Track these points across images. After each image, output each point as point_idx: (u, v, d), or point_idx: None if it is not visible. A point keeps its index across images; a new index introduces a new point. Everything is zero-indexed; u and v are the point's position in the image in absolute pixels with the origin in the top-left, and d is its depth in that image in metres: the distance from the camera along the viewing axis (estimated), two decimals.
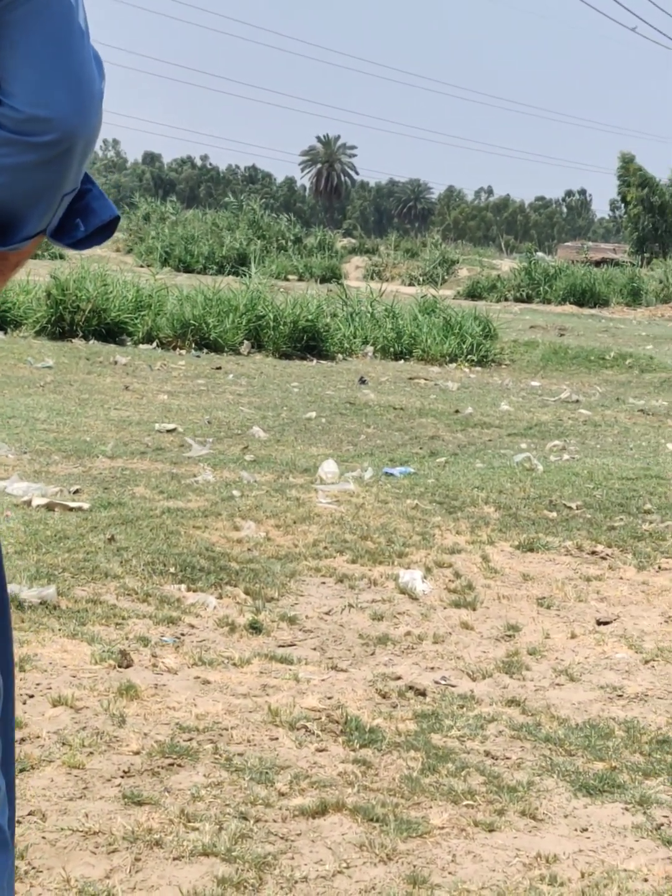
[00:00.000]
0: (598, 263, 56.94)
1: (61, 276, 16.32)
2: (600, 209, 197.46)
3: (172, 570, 5.73)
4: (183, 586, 5.56)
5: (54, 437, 9.61)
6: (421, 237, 71.46)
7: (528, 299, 41.48)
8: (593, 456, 10.06)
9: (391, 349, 18.49)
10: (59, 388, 12.51)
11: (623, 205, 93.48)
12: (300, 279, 49.65)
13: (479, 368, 18.16)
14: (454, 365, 18.07)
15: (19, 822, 3.25)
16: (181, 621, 5.11)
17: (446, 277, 54.64)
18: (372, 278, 54.00)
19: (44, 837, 3.20)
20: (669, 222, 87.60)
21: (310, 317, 17.26)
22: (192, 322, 16.68)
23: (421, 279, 54.44)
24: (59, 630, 4.82)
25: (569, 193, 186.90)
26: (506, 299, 41.19)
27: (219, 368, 15.38)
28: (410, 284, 52.62)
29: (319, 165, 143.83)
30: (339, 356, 17.69)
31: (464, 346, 18.49)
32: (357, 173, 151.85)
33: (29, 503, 6.86)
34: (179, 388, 13.52)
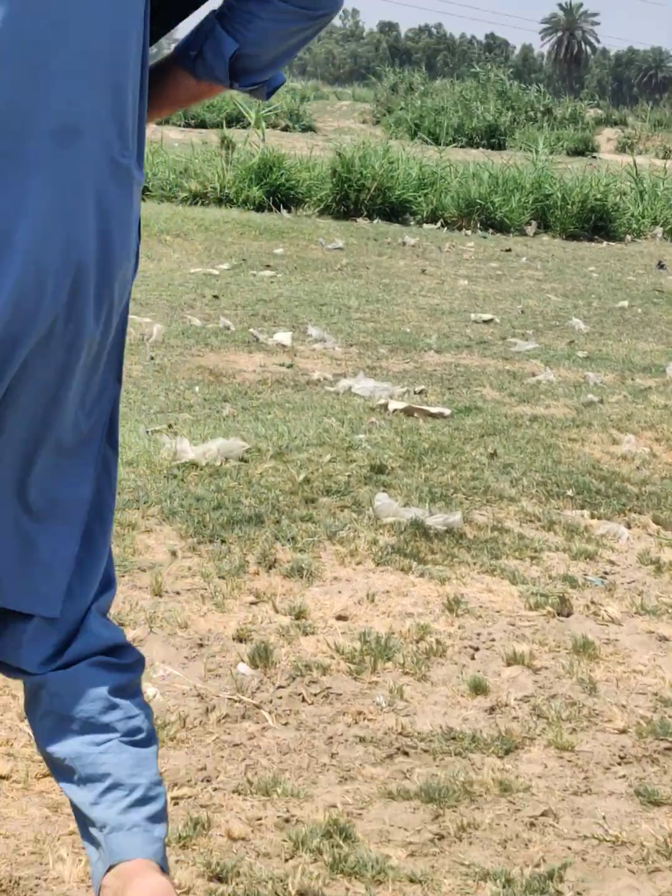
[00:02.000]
0: None
1: (346, 154, 15.74)
2: None
3: (569, 492, 5.19)
4: (585, 512, 5.01)
5: (373, 327, 9.16)
6: (670, 107, 68.19)
7: None
8: None
9: None
10: (356, 272, 12.05)
11: None
12: (551, 152, 48.18)
13: None
14: None
15: (533, 824, 2.80)
16: (599, 557, 4.57)
17: None
18: (624, 151, 52.11)
19: (570, 848, 2.72)
20: None
21: (599, 196, 16.33)
22: (478, 201, 15.96)
23: None
24: (474, 564, 4.35)
25: None
26: None
27: (508, 250, 14.68)
28: (665, 157, 50.59)
29: (560, 33, 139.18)
30: (628, 237, 16.74)
31: None
32: (599, 41, 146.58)
33: (385, 407, 6.40)
34: (475, 271, 12.91)
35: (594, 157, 43.21)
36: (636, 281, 12.98)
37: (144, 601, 3.79)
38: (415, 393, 6.98)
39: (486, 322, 9.79)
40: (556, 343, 9.12)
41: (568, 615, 4.00)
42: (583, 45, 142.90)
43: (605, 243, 16.19)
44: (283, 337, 8.41)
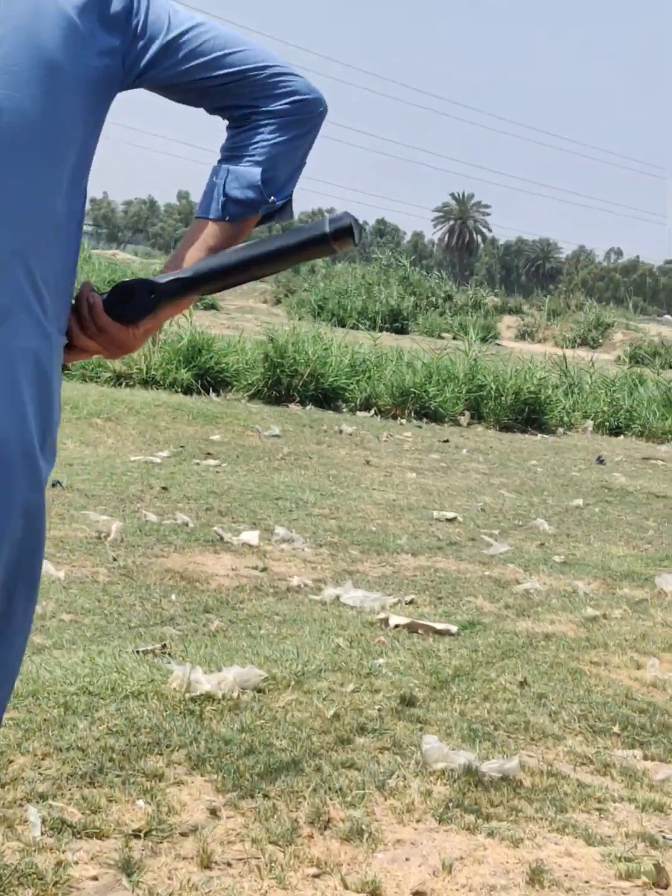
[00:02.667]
0: None
1: (279, 339, 15.55)
2: None
3: (615, 728, 4.77)
4: (636, 752, 4.59)
5: (337, 525, 8.78)
6: (564, 298, 70.04)
7: None
8: None
9: (607, 423, 17.45)
10: (299, 462, 11.72)
11: None
12: (455, 338, 48.89)
13: None
14: None
15: None
16: (668, 809, 4.14)
17: (601, 341, 53.52)
18: (524, 338, 53.17)
19: None
20: None
21: (533, 388, 16.30)
22: (412, 390, 15.81)
23: (576, 341, 53.47)
24: (541, 819, 3.89)
25: None
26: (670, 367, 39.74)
27: (446, 441, 14.49)
28: (566, 346, 51.58)
29: (452, 222, 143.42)
30: (560, 430, 16.70)
31: None
32: (489, 230, 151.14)
33: (386, 622, 5.97)
34: (418, 463, 12.66)
35: (498, 345, 44.00)
36: (582, 477, 12.81)
37: (195, 876, 3.27)
38: (405, 603, 6.58)
39: (449, 520, 9.47)
40: (526, 545, 8.82)
41: (665, 887, 3.55)
42: (474, 234, 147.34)
43: (539, 435, 16.10)
44: (250, 536, 7.98)
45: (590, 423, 17.20)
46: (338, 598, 6.51)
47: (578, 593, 7.25)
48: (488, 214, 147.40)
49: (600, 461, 14.13)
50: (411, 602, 6.64)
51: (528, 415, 16.25)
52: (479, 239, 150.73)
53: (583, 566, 8.18)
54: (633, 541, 9.48)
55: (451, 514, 9.59)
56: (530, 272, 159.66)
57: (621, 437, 17.16)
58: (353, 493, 10.26)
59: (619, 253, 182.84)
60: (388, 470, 11.91)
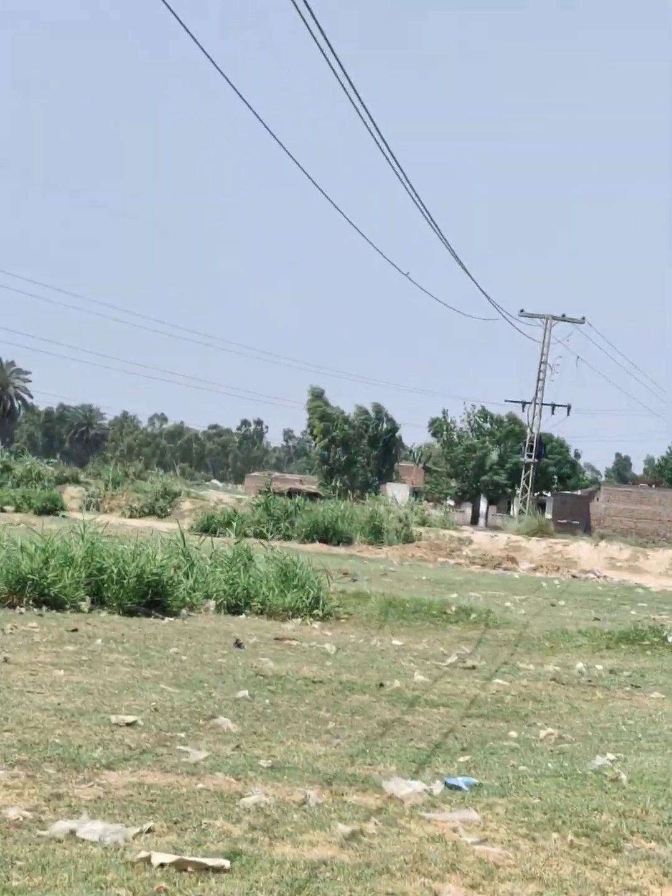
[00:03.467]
0: (289, 494, 56.65)
1: None
2: (274, 439, 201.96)
3: None
4: None
5: (16, 739, 7.97)
6: (122, 467, 69.89)
7: (265, 536, 40.59)
8: (614, 751, 9.10)
9: (227, 603, 17.18)
10: None
11: (312, 437, 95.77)
12: (17, 510, 47.56)
13: (319, 624, 17.01)
14: (299, 620, 16.88)
15: None
16: None
17: (169, 509, 53.63)
18: (90, 509, 52.41)
19: None
20: (352, 455, 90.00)
21: (156, 570, 15.81)
22: (29, 576, 14.94)
23: (144, 511, 53.30)
24: None
25: (245, 423, 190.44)
26: (246, 535, 40.17)
27: (75, 631, 13.71)
28: (132, 516, 51.27)
29: None
30: (183, 611, 16.23)
31: (306, 599, 17.39)
32: (31, 396, 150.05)
33: (148, 861, 5.33)
34: (57, 657, 11.84)
35: (64, 516, 43.18)
36: (231, 664, 12.39)
37: None
38: (145, 832, 5.94)
39: (129, 724, 8.81)
40: (221, 748, 8.31)
41: None
42: (14, 400, 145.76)
43: (165, 619, 15.56)
44: None
45: (212, 602, 16.84)
46: (73, 832, 5.78)
47: (310, 803, 6.81)
48: (30, 380, 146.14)
49: (238, 645, 13.78)
50: (150, 831, 6.00)
51: (152, 597, 15.71)
52: (20, 405, 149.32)
53: (293, 770, 7.76)
54: (320, 735, 9.13)
55: (130, 718, 8.93)
56: (74, 438, 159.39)
57: (243, 616, 16.88)
58: (12, 698, 9.40)
59: (164, 418, 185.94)
60: (32, 667, 11.05)
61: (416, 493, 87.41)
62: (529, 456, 69.64)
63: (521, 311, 70.05)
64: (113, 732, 8.53)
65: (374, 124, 18.13)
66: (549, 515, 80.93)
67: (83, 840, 5.73)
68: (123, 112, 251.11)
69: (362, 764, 8.11)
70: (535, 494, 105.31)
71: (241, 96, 16.38)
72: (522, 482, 71.00)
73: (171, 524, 31.22)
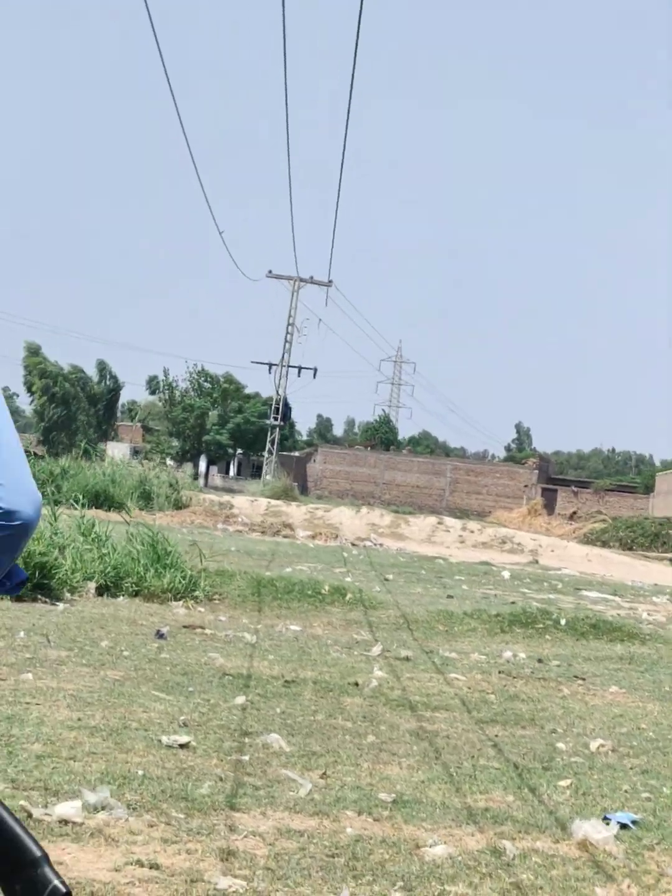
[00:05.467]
0: None
1: None
2: None
3: None
4: None
5: (100, 771, 6.91)
6: None
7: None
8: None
9: (104, 584, 15.99)
10: None
11: (30, 395, 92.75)
12: None
13: (202, 608, 16.03)
14: (181, 603, 15.86)
15: None
16: None
17: None
18: None
19: None
20: (72, 413, 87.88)
21: (43, 550, 14.52)
22: None
23: None
24: None
25: None
26: None
27: None
28: None
29: None
30: (67, 595, 14.99)
31: (183, 580, 16.38)
32: None
33: None
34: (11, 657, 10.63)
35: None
36: (179, 660, 11.39)
37: None
38: None
39: (183, 746, 7.85)
40: (305, 775, 7.41)
41: None
42: None
43: (52, 603, 14.31)
44: None
45: (92, 585, 15.60)
46: None
47: (508, 854, 6.07)
48: None
49: (161, 636, 12.74)
50: None
51: (39, 580, 14.40)
52: None
53: (418, 805, 7.01)
54: (377, 753, 8.34)
55: (182, 739, 7.95)
56: None
57: (121, 598, 15.72)
58: (15, 712, 8.26)
59: None
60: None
61: (136, 452, 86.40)
62: (275, 418, 69.38)
63: (269, 271, 69.64)
64: (178, 757, 7.55)
65: None
66: (268, 477, 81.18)
67: None
68: None
69: (472, 793, 7.39)
70: (254, 456, 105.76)
71: None
72: (268, 444, 70.71)
73: None
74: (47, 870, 2.70)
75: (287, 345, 68.85)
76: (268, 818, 6.43)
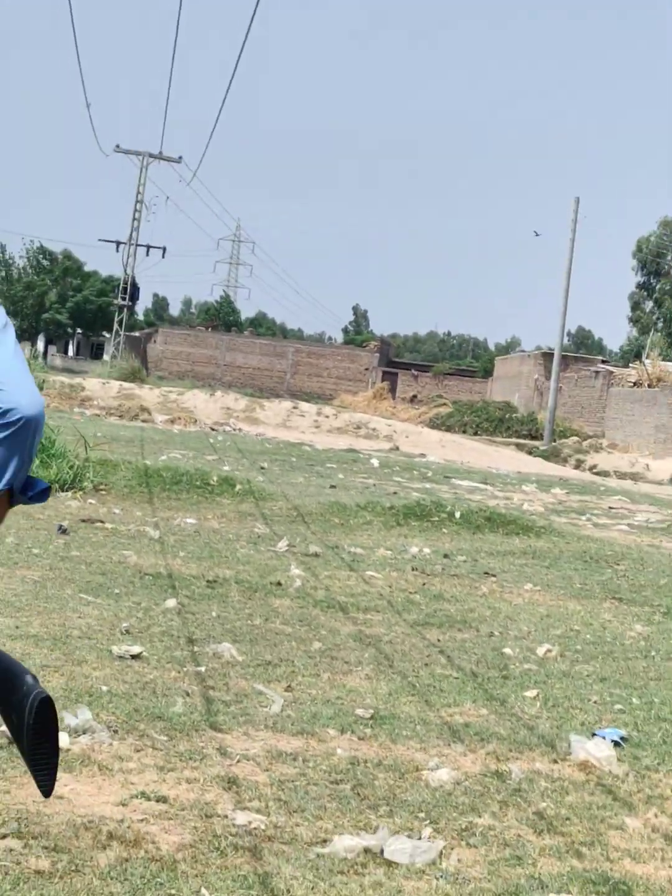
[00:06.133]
0: None
1: None
2: None
3: None
4: None
5: (62, 688, 6.48)
6: None
7: None
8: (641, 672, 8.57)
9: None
10: None
11: None
12: None
13: (92, 500, 15.47)
14: (69, 494, 15.29)
15: None
16: None
17: None
18: None
19: None
20: None
21: None
22: None
23: None
24: None
25: None
26: None
27: None
28: None
29: None
30: None
31: (70, 472, 15.78)
32: None
33: None
34: None
35: None
36: (91, 557, 10.89)
37: None
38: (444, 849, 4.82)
39: (135, 657, 7.45)
40: (271, 687, 7.08)
41: None
42: None
43: None
44: None
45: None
46: (367, 850, 4.58)
47: (513, 778, 5.84)
48: None
49: (63, 531, 12.20)
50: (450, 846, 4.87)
51: None
52: None
53: (395, 720, 6.72)
54: (331, 662, 8.04)
55: (134, 648, 7.55)
56: None
57: (69, 492, 15.12)
58: None
59: None
60: None
61: None
62: (124, 298, 67.91)
63: (117, 146, 67.70)
64: (134, 669, 7.16)
65: None
66: (107, 357, 79.88)
67: (394, 863, 4.55)
68: None
69: (444, 706, 7.14)
70: (93, 336, 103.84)
71: None
72: (115, 325, 69.28)
73: None
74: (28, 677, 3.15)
75: (135, 223, 67.21)
76: (252, 739, 6.08)
